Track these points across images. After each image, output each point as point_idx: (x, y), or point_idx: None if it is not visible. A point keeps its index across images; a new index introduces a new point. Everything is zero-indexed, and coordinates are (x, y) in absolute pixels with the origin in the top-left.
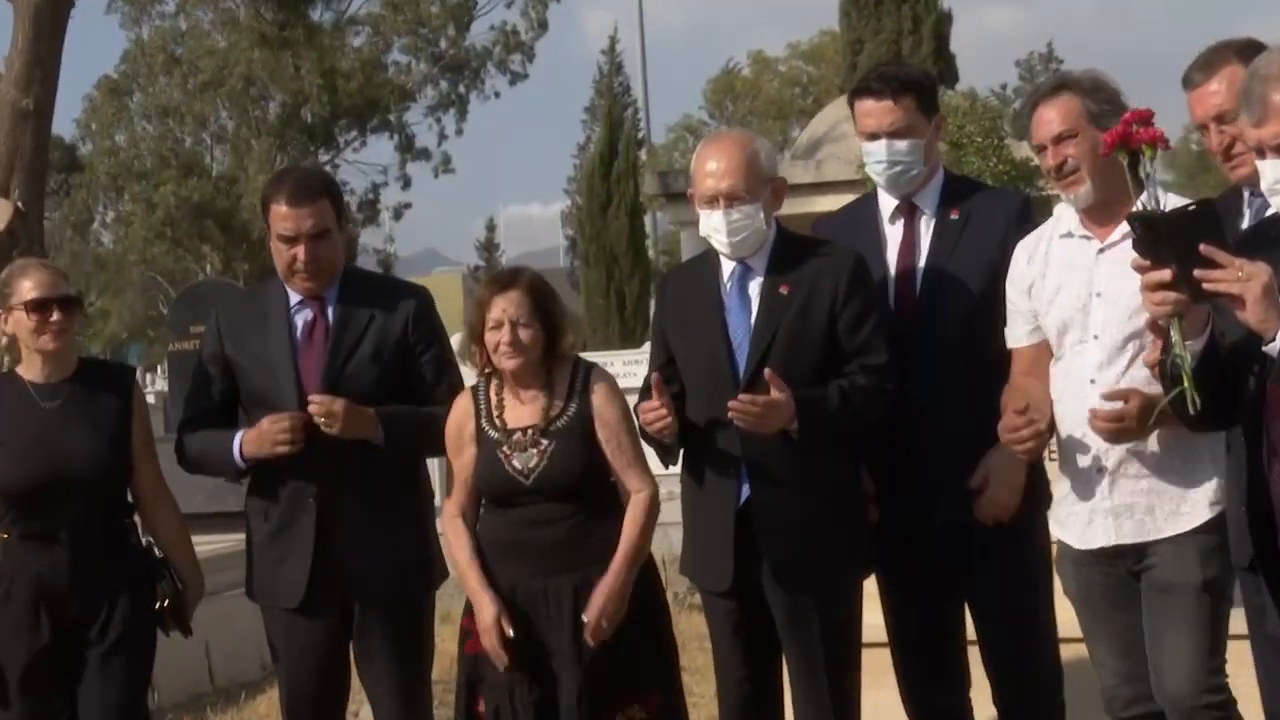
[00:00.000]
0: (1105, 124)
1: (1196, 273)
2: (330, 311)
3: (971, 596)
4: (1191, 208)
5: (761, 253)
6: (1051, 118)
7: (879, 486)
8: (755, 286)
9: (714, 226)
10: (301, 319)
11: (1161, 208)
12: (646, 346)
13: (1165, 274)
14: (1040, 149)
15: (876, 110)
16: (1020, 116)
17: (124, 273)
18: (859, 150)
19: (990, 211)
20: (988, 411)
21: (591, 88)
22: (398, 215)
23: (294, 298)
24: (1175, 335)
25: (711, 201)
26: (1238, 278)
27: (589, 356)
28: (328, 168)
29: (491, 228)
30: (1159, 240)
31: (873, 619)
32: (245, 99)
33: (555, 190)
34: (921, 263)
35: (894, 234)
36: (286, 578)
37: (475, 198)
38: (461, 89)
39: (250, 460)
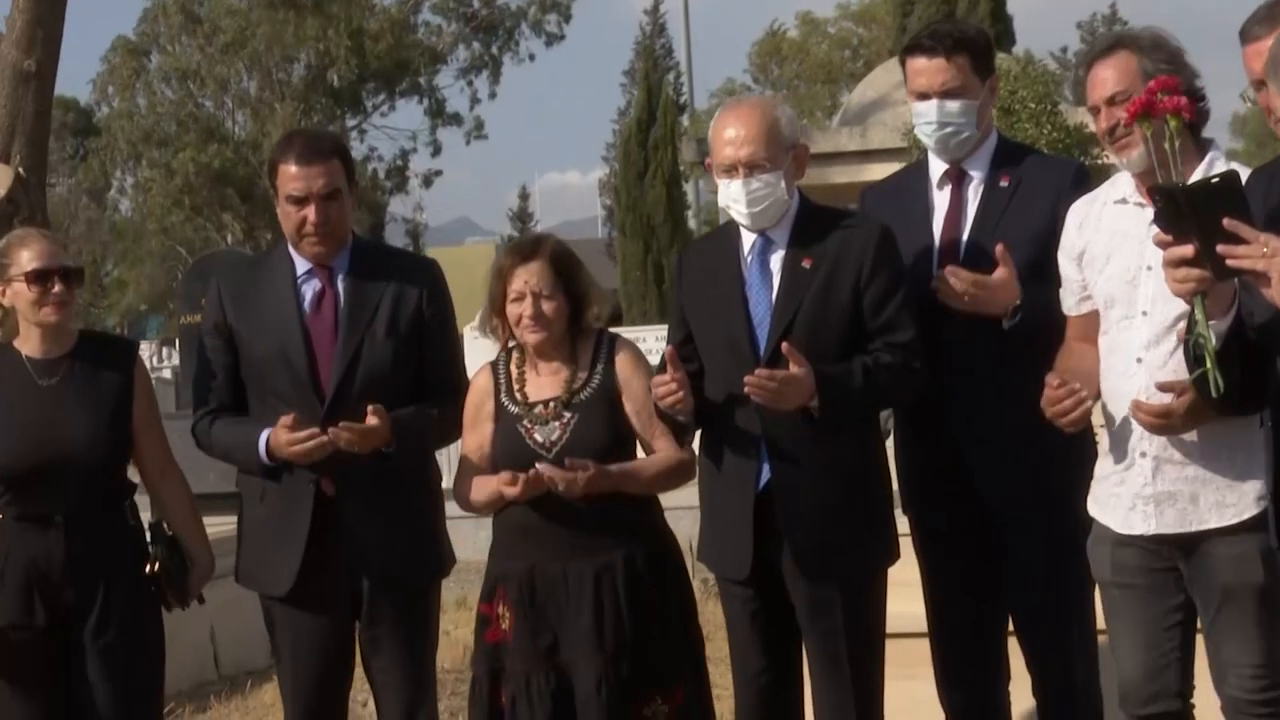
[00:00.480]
0: None
1: (1219, 248)
2: (339, 282)
3: (1011, 586)
4: (1214, 180)
5: (783, 224)
6: (1106, 77)
7: (915, 470)
8: (777, 260)
9: (733, 196)
10: (310, 289)
11: (1183, 180)
12: None
13: (1187, 250)
14: (1094, 110)
15: (928, 69)
16: (1078, 75)
17: (142, 242)
18: (908, 117)
19: (1042, 179)
20: (1031, 391)
21: (632, 49)
22: (427, 183)
23: (301, 266)
24: (1199, 314)
25: (730, 170)
26: (1263, 254)
27: (625, 331)
28: (354, 133)
29: (525, 196)
30: (1180, 214)
31: (897, 608)
32: (268, 61)
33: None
34: (966, 231)
35: (941, 200)
36: (279, 565)
37: (510, 165)
38: (494, 50)
39: (278, 460)
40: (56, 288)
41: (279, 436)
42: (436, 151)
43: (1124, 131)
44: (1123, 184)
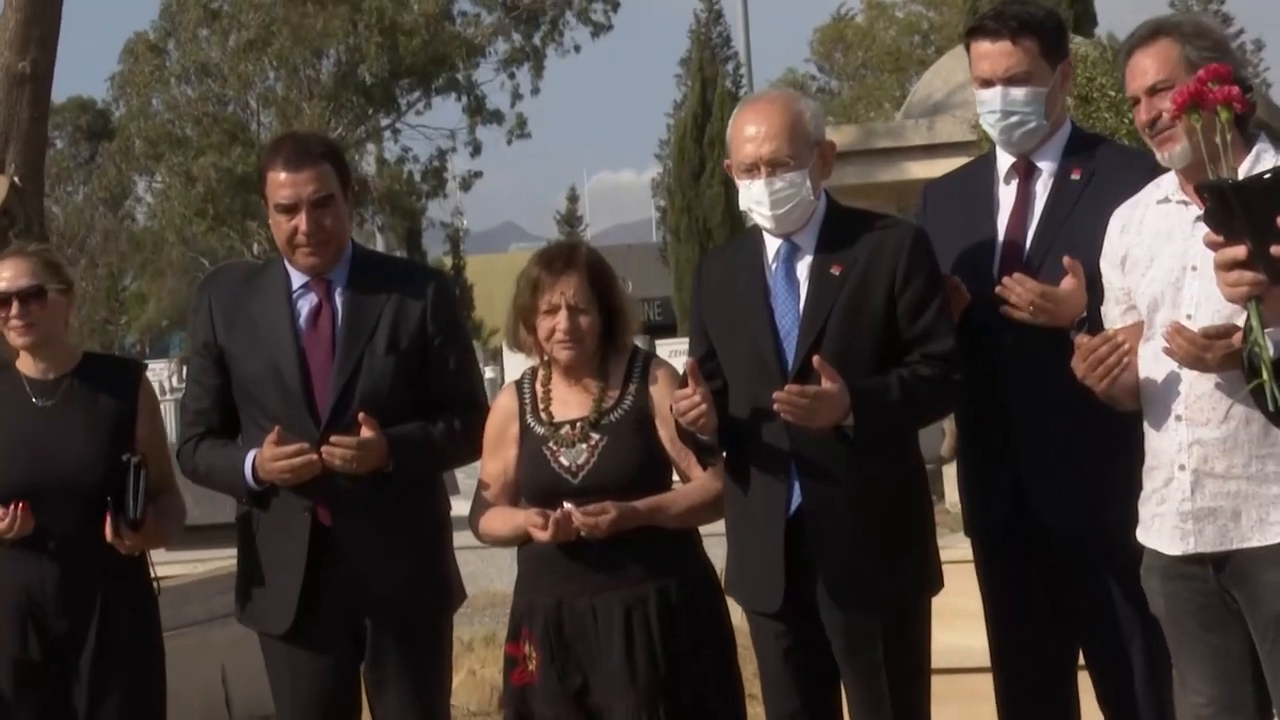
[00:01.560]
0: None
1: (1274, 249)
2: (337, 297)
3: (1078, 617)
4: (1267, 175)
5: (809, 228)
6: (1146, 66)
7: (974, 491)
8: (803, 267)
9: (755, 198)
10: (306, 303)
11: (1234, 175)
12: None
13: (1240, 251)
14: (1134, 101)
15: (992, 53)
16: (1119, 65)
17: (162, 253)
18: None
19: (1117, 171)
20: (1096, 405)
21: (687, 38)
22: (466, 186)
23: (296, 280)
24: (1254, 320)
25: (751, 170)
26: None
27: (677, 343)
28: (388, 133)
29: (574, 198)
30: (1231, 212)
31: (954, 640)
32: (295, 57)
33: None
34: (1032, 228)
35: (1007, 196)
36: (276, 601)
37: (558, 165)
38: (537, 42)
39: (265, 484)
40: (14, 311)
41: (265, 454)
42: (476, 152)
43: (1165, 124)
44: (1166, 183)
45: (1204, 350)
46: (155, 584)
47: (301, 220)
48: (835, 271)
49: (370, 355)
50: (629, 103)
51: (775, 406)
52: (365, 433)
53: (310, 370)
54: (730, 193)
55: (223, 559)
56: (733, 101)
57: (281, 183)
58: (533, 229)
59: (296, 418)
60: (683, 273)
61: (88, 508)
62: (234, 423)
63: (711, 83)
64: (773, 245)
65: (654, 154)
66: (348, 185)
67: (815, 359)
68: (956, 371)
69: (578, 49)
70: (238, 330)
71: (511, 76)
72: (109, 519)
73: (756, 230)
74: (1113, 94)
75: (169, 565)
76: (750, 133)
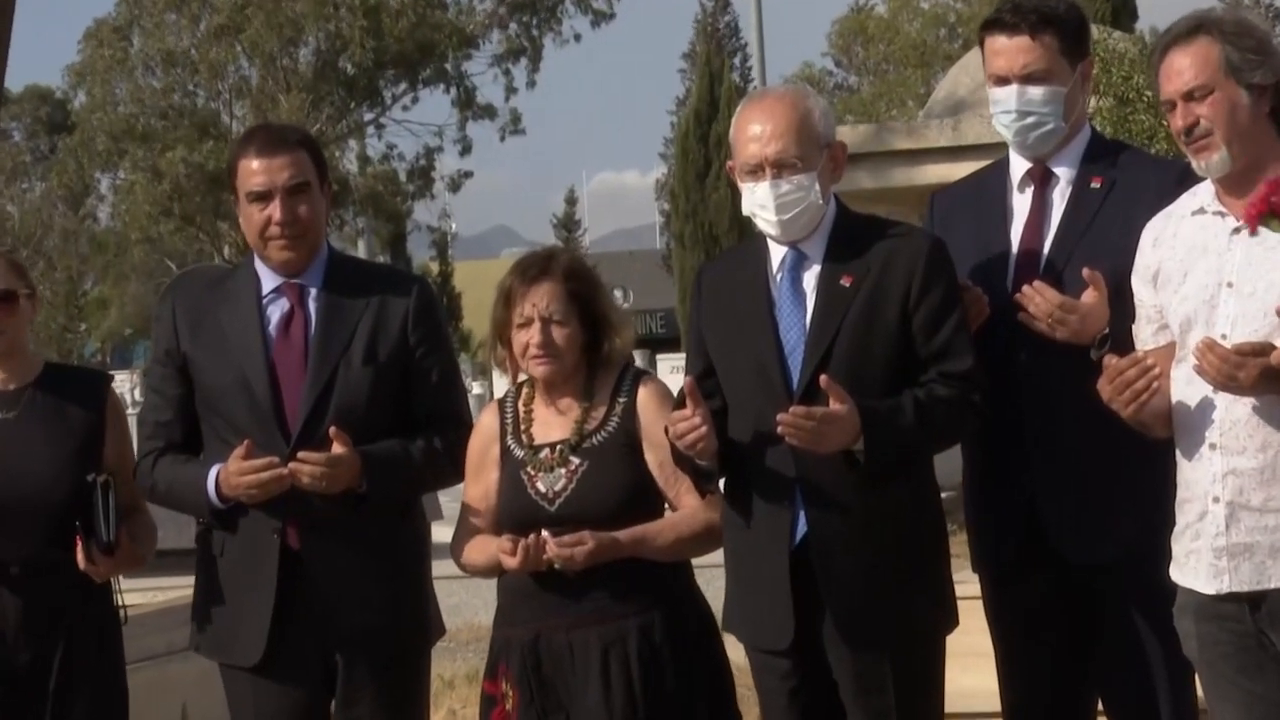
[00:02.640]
0: (1248, 78)
1: None
2: (311, 302)
3: (1098, 660)
4: None
5: (818, 235)
6: (1183, 68)
7: (985, 520)
8: (811, 277)
9: (759, 202)
10: (277, 309)
11: None
12: None
13: None
14: (1169, 106)
15: (1009, 48)
16: (1154, 64)
17: (126, 255)
18: None
19: (1140, 180)
20: (1119, 425)
21: (692, 29)
22: (455, 186)
23: (267, 284)
24: None
25: (755, 172)
26: None
27: (678, 358)
28: (371, 128)
29: (572, 200)
30: None
31: (966, 682)
32: (270, 44)
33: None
34: (1049, 240)
35: (1021, 205)
36: (244, 630)
37: (557, 164)
38: (534, 32)
39: (230, 501)
40: None
41: (230, 467)
42: (467, 150)
43: (1203, 131)
44: (1202, 193)
45: (1237, 369)
46: (122, 611)
47: (275, 208)
48: (845, 283)
49: (346, 366)
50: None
51: (779, 429)
52: (336, 449)
53: (280, 381)
54: (738, 196)
55: (183, 587)
56: (741, 97)
57: (254, 170)
58: (527, 233)
59: (264, 432)
60: (687, 282)
61: (52, 529)
62: (197, 437)
63: (718, 77)
64: (778, 254)
65: (659, 153)
66: (324, 179)
67: (822, 378)
68: (976, 392)
69: (578, 38)
70: (203, 337)
71: (506, 70)
72: (80, 544)
73: (760, 237)
74: (1150, 95)
75: (124, 594)
76: (755, 132)
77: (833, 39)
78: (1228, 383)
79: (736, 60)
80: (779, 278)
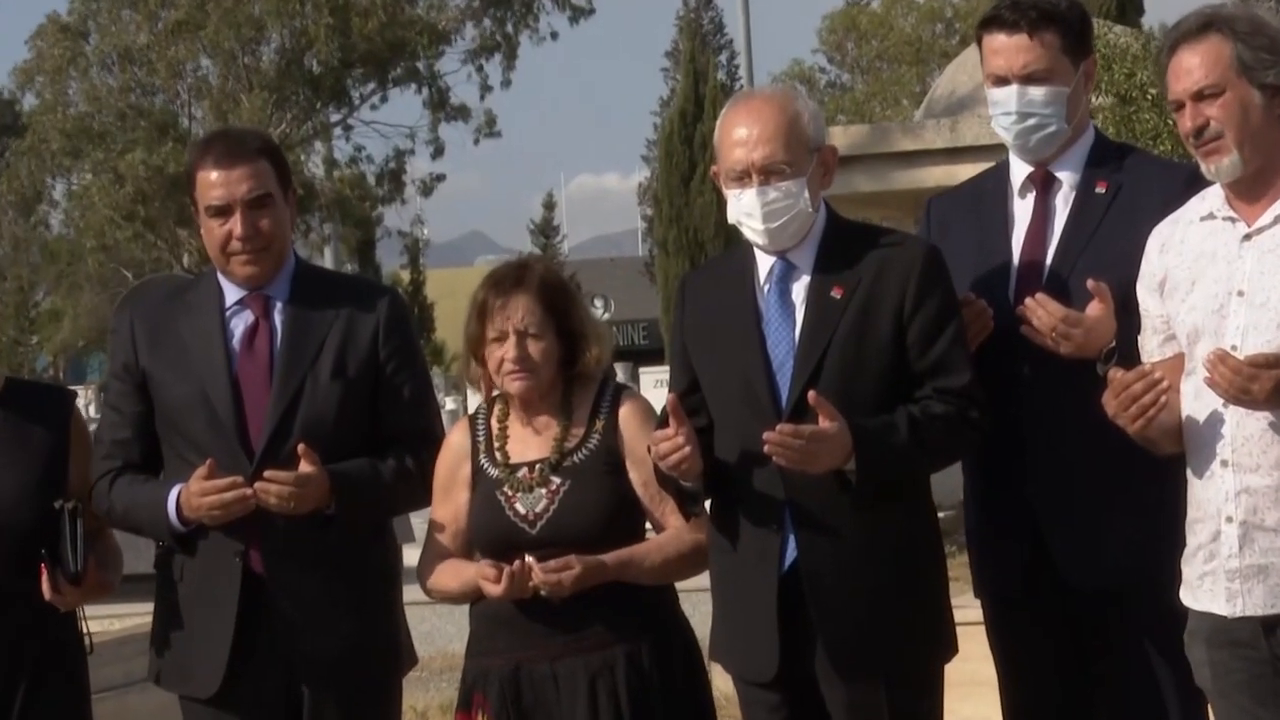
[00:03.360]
0: (1261, 78)
1: None
2: (276, 315)
3: (1104, 689)
4: None
5: (807, 244)
6: (1192, 67)
7: (986, 543)
8: (800, 288)
9: (745, 210)
10: (241, 322)
11: None
12: None
13: None
14: (1177, 106)
15: (1008, 47)
16: (1161, 62)
17: (80, 264)
18: None
19: (1147, 184)
20: (1126, 442)
21: (675, 25)
22: (427, 191)
23: (230, 296)
24: None
25: (742, 178)
26: None
27: (662, 371)
28: (338, 130)
29: (550, 205)
30: None
31: (960, 712)
32: (232, 41)
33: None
34: (1052, 248)
35: (1022, 211)
36: (202, 659)
37: (533, 167)
38: (509, 28)
39: (191, 523)
40: None
41: (191, 487)
42: (439, 152)
43: (1213, 133)
44: (1211, 197)
45: (1250, 381)
46: (88, 640)
47: (236, 223)
48: (836, 294)
49: (313, 381)
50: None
51: (766, 449)
52: (304, 467)
53: (244, 397)
54: (724, 201)
55: (142, 614)
56: (728, 97)
57: (213, 182)
58: (502, 240)
59: (227, 451)
60: (671, 291)
61: (15, 555)
62: (156, 457)
63: (703, 75)
64: (765, 263)
65: (642, 155)
66: (288, 187)
67: (810, 394)
68: (975, 409)
69: (555, 36)
70: (162, 351)
71: (479, 68)
72: (45, 574)
73: (747, 246)
74: (1154, 92)
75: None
76: (740, 135)
77: (823, 35)
78: (1240, 396)
79: (722, 58)
80: (766, 289)
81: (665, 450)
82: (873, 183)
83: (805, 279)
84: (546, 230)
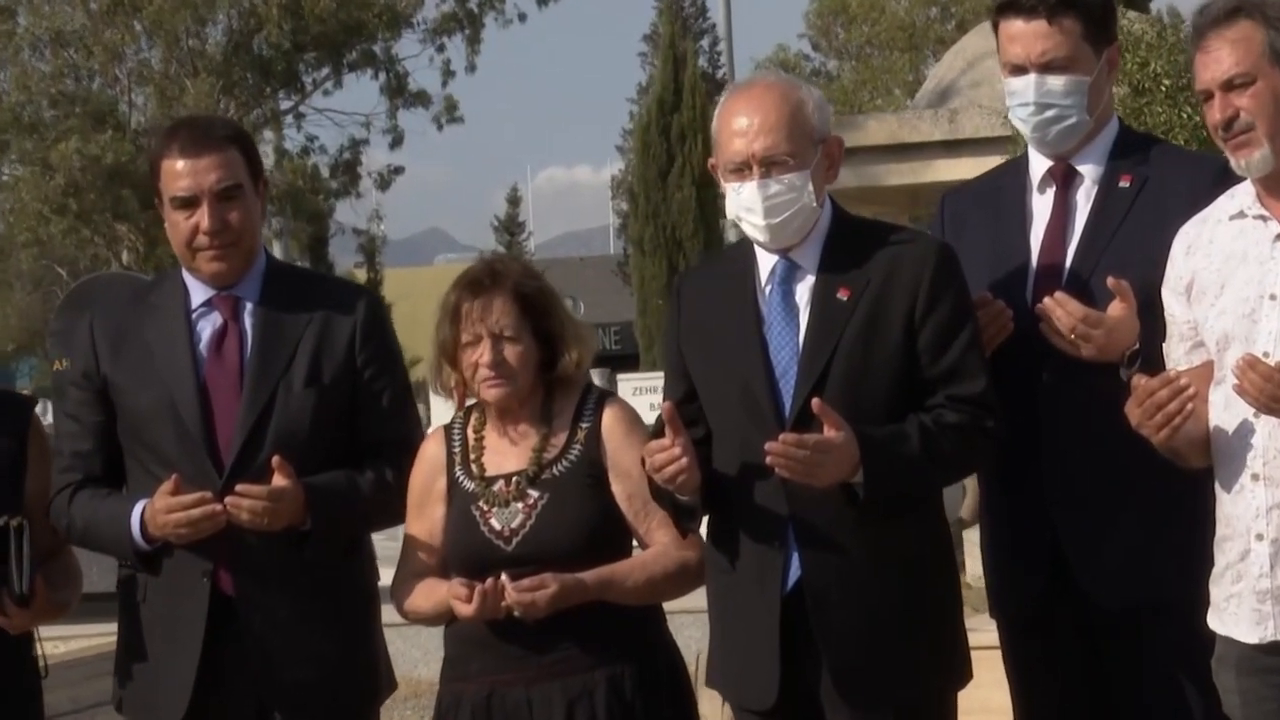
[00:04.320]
0: None
1: None
2: (247, 317)
3: (1132, 716)
4: None
5: (811, 242)
6: (1222, 55)
7: (1001, 560)
8: (804, 290)
9: (745, 204)
10: (208, 324)
11: None
12: None
13: None
14: (1204, 95)
15: (1026, 34)
16: (1188, 49)
17: (10, 261)
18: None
19: (1174, 179)
20: (1151, 452)
21: (654, 7)
22: (385, 184)
23: (197, 297)
24: None
25: (741, 170)
26: None
27: (640, 378)
28: (289, 118)
29: (515, 200)
30: None
31: None
32: (176, 23)
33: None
34: (1073, 246)
35: (1042, 206)
36: (167, 685)
37: (500, 158)
38: (473, 8)
39: (157, 541)
40: None
41: (157, 504)
42: (397, 142)
43: (1244, 124)
44: (1241, 195)
45: None
46: (42, 664)
47: (203, 216)
48: (842, 296)
49: (286, 389)
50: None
51: (768, 459)
52: (278, 481)
53: (213, 406)
54: (704, 196)
55: (90, 635)
56: (708, 85)
57: (179, 172)
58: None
59: (195, 463)
60: (648, 292)
61: None
62: (118, 469)
63: (682, 62)
64: (767, 263)
65: (616, 146)
66: (258, 177)
67: (815, 401)
68: (990, 418)
69: (522, 17)
70: (125, 357)
71: (441, 50)
72: None
73: (747, 244)
74: (1168, 83)
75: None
76: (741, 125)
77: (810, 19)
78: (1271, 405)
79: (704, 43)
80: (768, 290)
81: (661, 462)
82: (860, 178)
83: (810, 280)
84: (511, 227)
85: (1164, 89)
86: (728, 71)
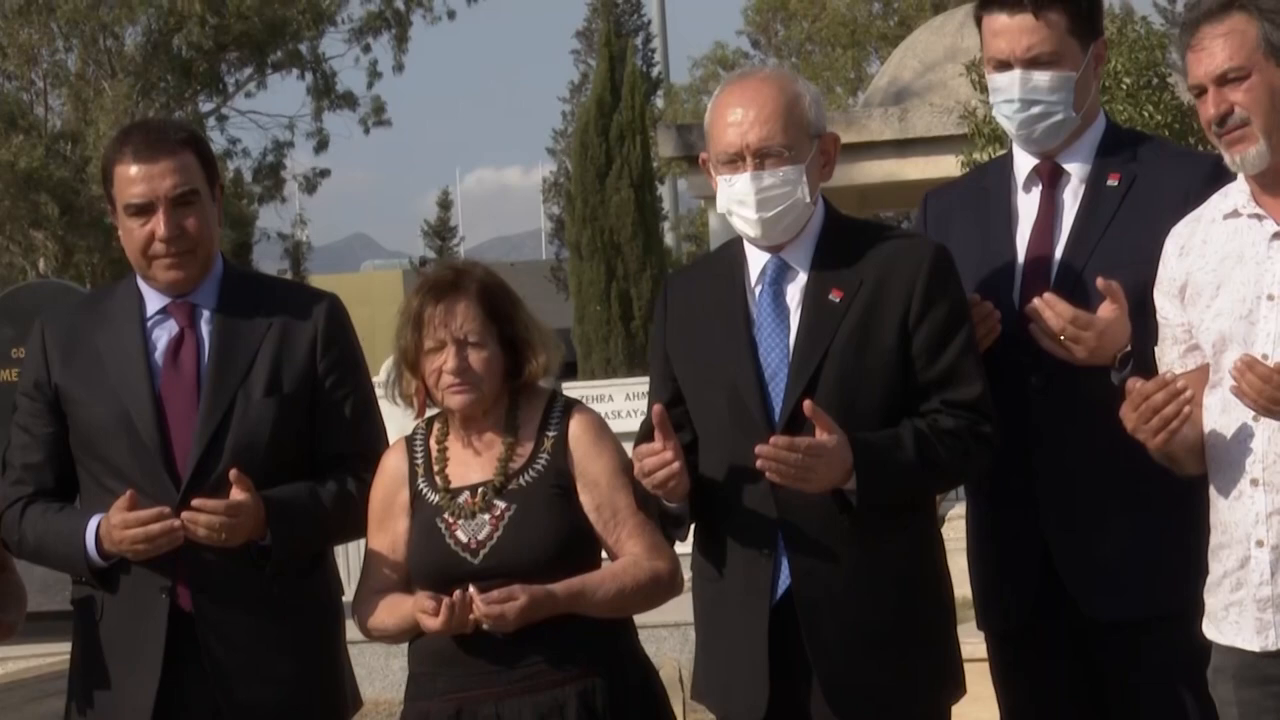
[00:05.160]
0: None
1: None
2: (204, 325)
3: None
4: None
5: (803, 240)
6: (1215, 49)
7: (989, 570)
8: (795, 290)
9: (737, 197)
10: (164, 333)
11: None
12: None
13: None
14: (1198, 91)
15: (1011, 28)
16: (1179, 41)
17: None
18: (962, 94)
19: (1165, 177)
20: (1145, 459)
21: (586, 3)
22: (311, 188)
23: (152, 304)
24: None
25: (734, 162)
26: None
27: (579, 387)
28: (211, 120)
29: (446, 204)
30: None
31: None
32: (92, 23)
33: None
34: (1060, 246)
35: (1028, 206)
36: (124, 706)
37: (427, 161)
38: (400, 6)
39: (113, 557)
40: None
41: (113, 519)
42: (323, 145)
43: (1238, 120)
44: (1235, 193)
45: None
46: None
47: (159, 223)
48: (835, 297)
49: (244, 398)
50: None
51: (759, 463)
52: (236, 494)
53: (168, 417)
54: (643, 198)
55: (29, 657)
56: (645, 82)
57: (132, 178)
58: (389, 243)
59: (151, 476)
60: (585, 298)
61: None
62: (71, 481)
63: (620, 59)
64: (757, 262)
65: (547, 148)
66: (214, 181)
67: (806, 403)
68: (987, 424)
69: (451, 15)
70: (77, 367)
71: (367, 49)
72: None
73: (736, 244)
74: (1129, 81)
75: None
76: (735, 116)
77: (749, 15)
78: (1270, 407)
79: (639, 40)
80: (758, 290)
81: (652, 467)
82: None
83: (801, 279)
84: (442, 231)
85: (1125, 87)
86: (663, 70)
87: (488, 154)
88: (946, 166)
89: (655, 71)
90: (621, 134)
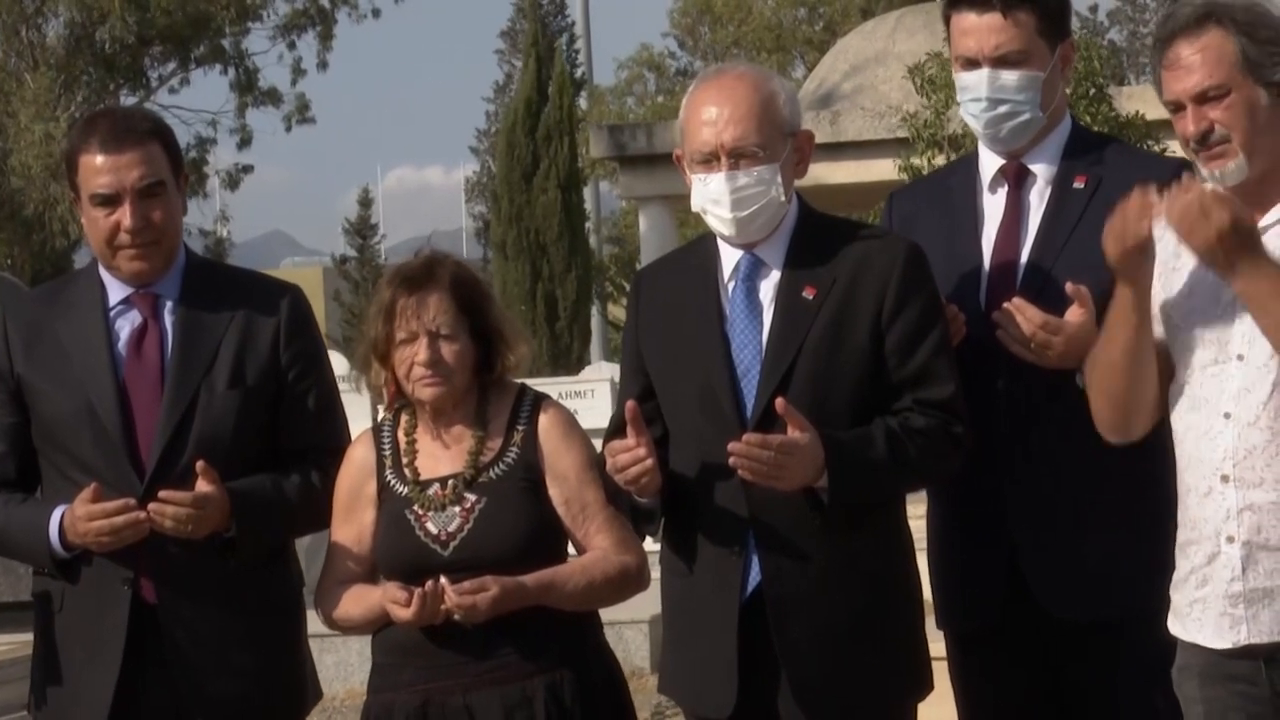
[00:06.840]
0: (1269, 75)
1: None
2: (167, 315)
3: None
4: None
5: (777, 238)
6: (1193, 65)
7: (953, 570)
8: (769, 287)
9: (711, 196)
10: (127, 323)
11: None
12: (586, 373)
13: None
14: (1175, 108)
15: (979, 27)
16: (1152, 55)
17: None
18: (895, 99)
19: (1130, 179)
20: (1113, 459)
21: (511, 3)
22: (233, 183)
23: (115, 295)
24: None
25: (709, 161)
26: None
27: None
28: None
29: (367, 202)
30: None
31: None
32: (13, 15)
33: (461, 149)
34: (1026, 247)
35: (993, 207)
36: (85, 699)
37: (346, 159)
38: (325, 3)
39: (76, 549)
40: None
41: (77, 511)
42: (246, 142)
43: (1220, 137)
44: None
45: (1204, 212)
46: None
47: (125, 214)
48: (808, 294)
49: (208, 390)
50: (439, 83)
51: (731, 461)
52: (202, 486)
53: (132, 408)
54: (569, 200)
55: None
56: (572, 84)
57: (99, 168)
58: (308, 240)
59: (114, 467)
60: (510, 298)
61: None
62: (33, 473)
63: (546, 59)
64: (730, 259)
65: (470, 147)
66: (180, 172)
67: (779, 401)
68: (959, 424)
69: (376, 13)
70: (40, 357)
71: (292, 46)
72: None
73: (710, 238)
74: (1066, 91)
75: None
76: (710, 115)
77: (675, 18)
78: (1195, 230)
79: (563, 41)
80: (731, 287)
81: (625, 462)
82: None
83: (774, 276)
84: (363, 229)
85: (1077, 94)
86: (586, 71)
87: (409, 153)
88: (880, 171)
89: (579, 73)
90: (549, 135)
